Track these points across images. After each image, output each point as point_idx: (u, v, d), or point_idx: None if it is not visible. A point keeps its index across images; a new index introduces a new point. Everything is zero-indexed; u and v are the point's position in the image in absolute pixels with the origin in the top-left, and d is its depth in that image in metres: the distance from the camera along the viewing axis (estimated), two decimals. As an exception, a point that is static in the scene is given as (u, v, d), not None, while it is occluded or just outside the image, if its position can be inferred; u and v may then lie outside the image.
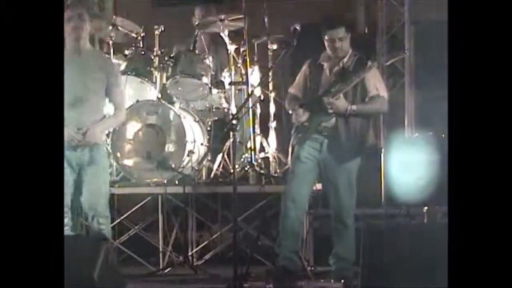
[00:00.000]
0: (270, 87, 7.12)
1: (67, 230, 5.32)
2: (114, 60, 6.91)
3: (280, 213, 5.89)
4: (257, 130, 7.01)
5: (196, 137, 6.87)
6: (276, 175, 6.85)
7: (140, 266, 6.77)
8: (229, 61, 7.14)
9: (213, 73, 7.11)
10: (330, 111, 5.71)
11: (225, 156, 6.93)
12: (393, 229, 4.83)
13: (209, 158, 7.00)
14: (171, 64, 7.00)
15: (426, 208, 6.02)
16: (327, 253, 5.90)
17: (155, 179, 6.77)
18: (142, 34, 7.16)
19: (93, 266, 4.41)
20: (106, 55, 6.52)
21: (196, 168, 6.88)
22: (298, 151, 5.87)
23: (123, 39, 7.28)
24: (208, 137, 7.07)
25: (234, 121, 5.63)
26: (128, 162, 6.83)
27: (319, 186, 6.27)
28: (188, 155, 6.76)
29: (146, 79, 7.08)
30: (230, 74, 7.09)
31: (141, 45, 7.15)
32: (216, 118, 7.26)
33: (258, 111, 7.09)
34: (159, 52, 7.06)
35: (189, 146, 6.77)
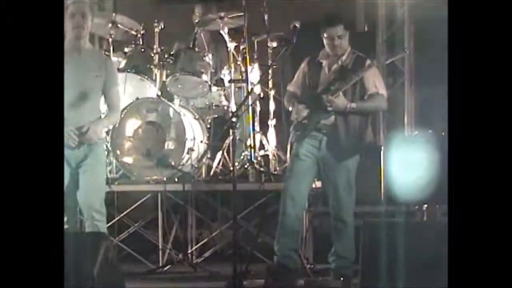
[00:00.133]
0: (270, 85, 7.12)
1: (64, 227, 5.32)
2: (114, 58, 6.92)
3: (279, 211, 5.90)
4: (257, 128, 7.01)
5: (195, 135, 6.87)
6: (275, 172, 6.86)
7: (139, 263, 6.77)
8: (229, 59, 7.15)
9: (213, 70, 7.12)
10: (330, 109, 5.71)
11: (225, 153, 6.93)
12: (392, 228, 4.82)
13: (209, 155, 7.00)
14: (171, 62, 7.01)
15: (426, 206, 6.02)
16: (327, 251, 5.90)
17: (155, 177, 6.77)
18: (142, 32, 7.16)
19: (92, 263, 4.41)
20: (105, 55, 6.52)
21: (196, 165, 6.88)
22: (297, 149, 5.87)
23: (123, 36, 7.28)
24: (207, 134, 7.07)
25: (233, 119, 5.64)
26: (128, 159, 6.83)
27: (318, 184, 6.28)
28: (187, 153, 6.76)
29: (146, 77, 7.08)
30: (230, 71, 7.10)
31: (141, 43, 7.15)
32: (216, 115, 7.26)
33: (258, 108, 7.09)
34: (159, 50, 7.06)
35: (188, 144, 6.77)
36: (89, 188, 5.30)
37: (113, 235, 6.72)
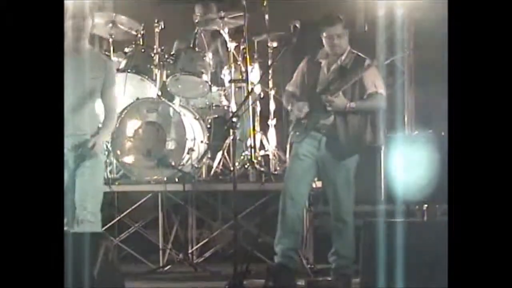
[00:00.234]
0: (270, 85, 7.12)
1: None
2: (114, 58, 6.92)
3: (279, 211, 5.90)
4: (257, 128, 7.01)
5: (196, 135, 6.87)
6: (276, 172, 6.85)
7: (140, 263, 6.78)
8: (229, 59, 7.15)
9: (213, 70, 7.12)
10: (329, 108, 5.71)
11: (225, 153, 6.93)
12: (392, 227, 4.83)
13: (209, 155, 7.00)
14: (171, 62, 7.01)
15: (426, 206, 6.01)
16: (327, 251, 5.90)
17: (155, 177, 6.78)
18: (142, 32, 7.16)
19: (92, 263, 4.41)
20: (106, 55, 6.51)
21: (196, 165, 6.88)
22: (296, 149, 5.87)
23: (123, 36, 7.29)
24: (208, 134, 7.07)
25: (234, 119, 5.64)
26: (128, 159, 6.83)
27: (319, 184, 6.28)
28: (188, 153, 6.76)
29: (146, 77, 7.08)
30: (230, 71, 7.10)
31: (141, 43, 7.15)
32: (216, 115, 7.26)
33: (258, 108, 7.09)
34: (159, 50, 7.06)
35: (189, 144, 6.77)
36: (85, 190, 5.29)
37: (114, 235, 6.72)
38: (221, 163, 6.95)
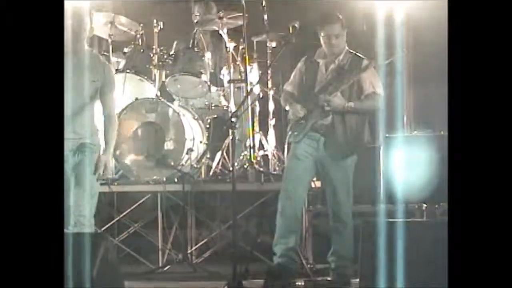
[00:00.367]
0: (269, 85, 7.12)
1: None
2: (113, 58, 6.91)
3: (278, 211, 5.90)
4: (256, 128, 7.01)
5: (195, 135, 6.87)
6: (275, 172, 6.85)
7: (139, 263, 6.78)
8: (228, 59, 7.15)
9: (212, 70, 7.12)
10: (327, 108, 5.71)
11: (224, 154, 6.93)
12: (392, 227, 4.83)
13: (208, 156, 7.00)
14: (170, 62, 7.01)
15: (425, 206, 6.01)
16: (327, 251, 5.90)
17: (154, 177, 6.77)
18: (141, 32, 7.16)
19: (92, 263, 4.41)
20: (104, 55, 6.51)
21: (195, 166, 6.88)
22: (294, 149, 5.87)
23: (122, 37, 7.29)
24: (207, 134, 7.07)
25: (233, 119, 5.64)
26: (127, 160, 6.83)
27: (318, 184, 6.28)
28: (187, 153, 6.76)
29: (145, 77, 7.08)
30: (229, 71, 7.11)
31: (140, 43, 7.15)
32: (215, 116, 7.26)
33: (257, 108, 7.09)
34: (158, 50, 7.06)
35: (188, 144, 6.77)
36: (81, 192, 5.27)
37: (113, 235, 6.72)
38: (220, 163, 6.94)
